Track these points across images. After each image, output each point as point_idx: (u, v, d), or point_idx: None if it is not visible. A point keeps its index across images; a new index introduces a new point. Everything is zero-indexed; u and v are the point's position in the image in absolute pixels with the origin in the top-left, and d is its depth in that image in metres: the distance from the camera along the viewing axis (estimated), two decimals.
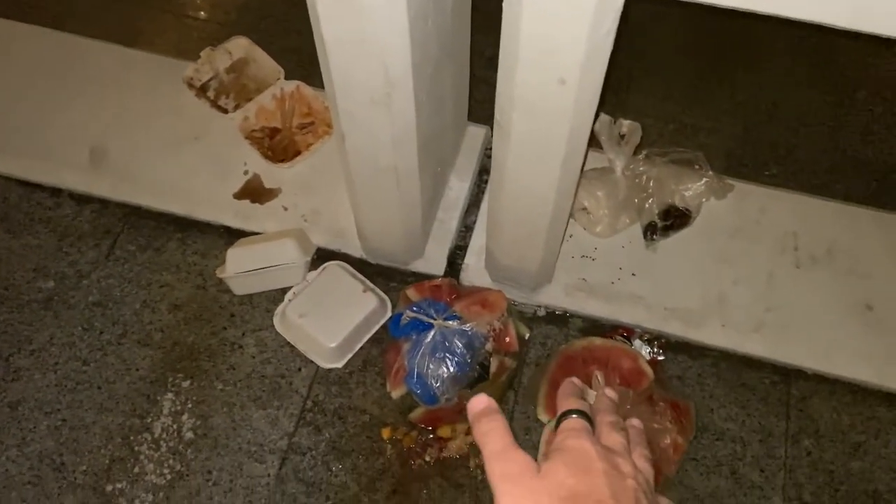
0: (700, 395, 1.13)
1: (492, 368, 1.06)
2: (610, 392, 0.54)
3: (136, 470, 1.08)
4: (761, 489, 1.06)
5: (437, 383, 1.02)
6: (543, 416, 1.08)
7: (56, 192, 1.32)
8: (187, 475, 1.07)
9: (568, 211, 0.98)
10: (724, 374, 1.15)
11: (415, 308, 1.06)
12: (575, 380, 0.54)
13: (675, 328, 1.16)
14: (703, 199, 1.23)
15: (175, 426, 1.11)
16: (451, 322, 1.05)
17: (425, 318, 1.05)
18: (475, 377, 1.05)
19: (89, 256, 1.26)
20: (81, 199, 1.31)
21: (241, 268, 1.13)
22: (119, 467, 1.08)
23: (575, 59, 0.70)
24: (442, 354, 1.03)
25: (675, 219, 1.22)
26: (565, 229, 1.11)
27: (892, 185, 1.33)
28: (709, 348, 1.16)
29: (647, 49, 1.50)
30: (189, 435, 1.11)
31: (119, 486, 1.07)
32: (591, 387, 0.99)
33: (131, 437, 1.10)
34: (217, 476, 1.08)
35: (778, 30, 1.51)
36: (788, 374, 1.14)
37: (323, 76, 0.84)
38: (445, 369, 1.03)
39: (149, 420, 1.12)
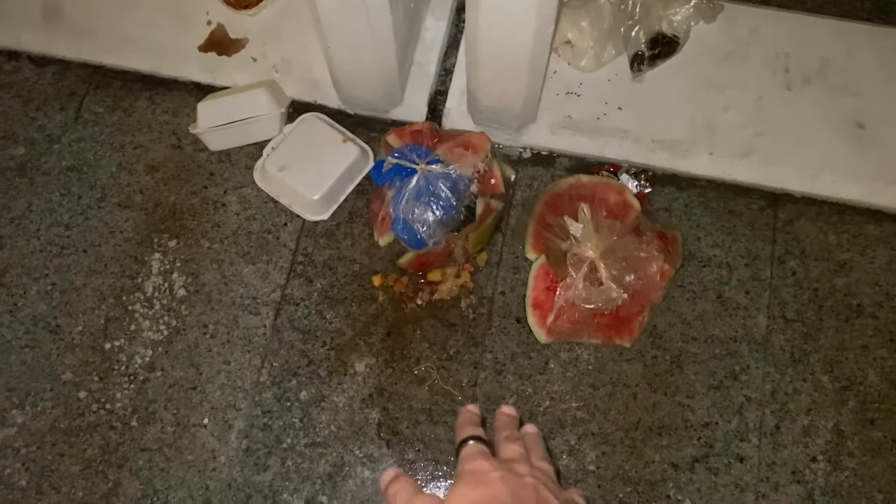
0: (687, 224, 1.13)
1: (478, 210, 1.05)
2: (507, 409, 0.59)
3: (133, 328, 1.10)
4: (746, 309, 1.09)
5: (423, 228, 1.02)
6: (531, 255, 1.08)
7: (13, 54, 1.25)
8: (184, 330, 1.09)
9: (549, 41, 0.93)
10: (711, 202, 1.14)
11: (396, 154, 1.04)
12: (470, 408, 0.59)
13: (663, 160, 1.14)
14: (692, 23, 1.17)
15: (166, 284, 1.12)
16: (434, 166, 1.02)
17: (408, 164, 1.03)
18: (461, 220, 1.04)
19: (57, 120, 1.21)
20: (41, 61, 1.25)
21: (214, 122, 1.09)
22: (115, 326, 1.10)
23: None
24: (427, 199, 1.02)
25: (662, 46, 1.17)
26: (547, 64, 1.06)
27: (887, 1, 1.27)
28: (696, 178, 1.15)
29: None
30: (181, 292, 1.11)
31: (117, 343, 1.09)
32: (576, 220, 0.99)
33: (124, 298, 1.11)
34: (213, 329, 1.09)
35: None
36: (776, 198, 1.14)
37: None
38: (431, 214, 1.02)
39: (139, 280, 1.12)
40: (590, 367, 1.06)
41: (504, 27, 0.90)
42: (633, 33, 1.15)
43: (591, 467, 1.02)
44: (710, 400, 1.05)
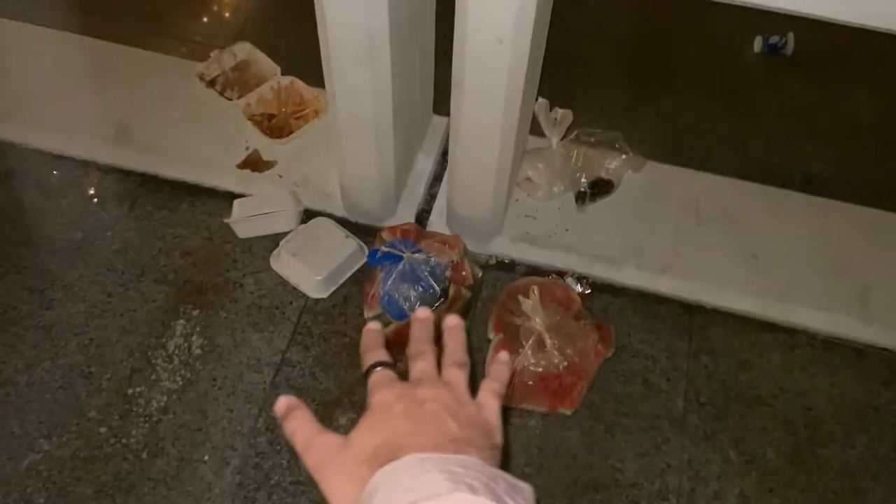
0: (620, 323, 1.39)
1: (450, 293, 1.31)
2: (420, 313, 0.55)
3: (153, 377, 1.30)
4: (667, 393, 1.31)
5: (406, 302, 1.27)
6: (492, 335, 1.32)
7: (84, 163, 1.56)
8: (196, 382, 1.29)
9: (511, 157, 1.25)
10: (639, 308, 1.41)
11: (388, 245, 1.32)
12: (372, 326, 0.55)
13: (600, 270, 1.42)
14: (624, 172, 1.51)
15: (186, 344, 1.33)
16: (417, 255, 1.30)
17: (396, 252, 1.30)
18: (437, 298, 1.30)
19: (113, 214, 1.49)
20: (107, 169, 1.55)
21: (245, 213, 1.38)
22: (138, 376, 1.30)
23: (508, 23, 0.98)
24: (410, 280, 1.28)
25: (601, 187, 1.50)
26: (511, 191, 1.38)
27: (777, 171, 1.63)
28: (627, 287, 1.43)
29: (594, 63, 1.80)
30: (198, 351, 1.33)
31: (139, 389, 1.28)
32: (527, 297, 1.25)
33: (149, 353, 1.32)
34: (221, 382, 1.29)
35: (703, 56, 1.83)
36: (691, 308, 1.41)
37: (320, 42, 1.11)
38: (413, 291, 1.27)
39: (164, 340, 1.34)
40: (537, 432, 1.27)
41: (477, 143, 1.22)
42: (578, 175, 1.49)
43: None
44: (637, 464, 1.24)
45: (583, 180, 1.49)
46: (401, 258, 1.30)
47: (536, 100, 1.41)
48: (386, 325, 1.32)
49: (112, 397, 1.27)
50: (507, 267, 1.45)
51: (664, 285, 1.41)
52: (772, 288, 1.41)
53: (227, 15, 1.86)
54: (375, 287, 1.31)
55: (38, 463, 1.20)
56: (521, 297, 1.24)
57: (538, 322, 1.23)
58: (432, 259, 1.29)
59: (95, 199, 1.51)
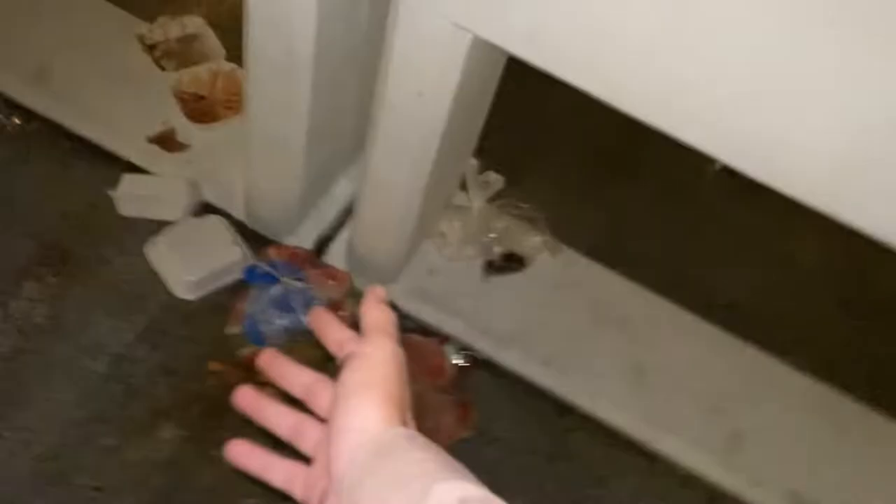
0: (489, 405, 1.33)
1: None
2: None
3: None
4: (511, 490, 1.25)
5: (268, 327, 1.19)
6: None
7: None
8: (25, 351, 1.19)
9: (417, 209, 1.19)
10: (514, 394, 1.35)
11: (269, 264, 1.24)
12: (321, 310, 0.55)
13: (485, 345, 1.36)
14: (539, 253, 1.47)
15: (29, 309, 1.23)
16: (296, 282, 1.23)
17: (275, 273, 1.23)
18: (303, 332, 1.22)
19: (5, 155, 1.39)
20: (14, 106, 1.45)
21: (132, 190, 1.30)
22: None
23: (432, 76, 0.93)
24: (280, 306, 1.21)
25: (512, 262, 1.45)
26: (419, 235, 1.32)
27: (697, 291, 1.59)
28: (507, 371, 1.37)
29: (552, 136, 1.76)
30: (38, 320, 1.23)
31: None
32: None
33: None
34: (51, 360, 1.20)
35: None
36: (564, 408, 1.36)
37: (243, 39, 1.05)
38: (279, 320, 1.20)
39: (7, 298, 1.24)
40: None
41: (384, 192, 1.16)
42: (493, 244, 1.44)
43: None
44: None
45: (495, 250, 1.44)
46: (277, 281, 1.22)
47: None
48: (241, 347, 1.25)
49: None
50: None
51: (543, 377, 1.36)
52: (648, 408, 1.37)
53: None
54: (242, 302, 1.23)
55: None
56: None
57: None
58: (309, 292, 1.22)
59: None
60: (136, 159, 1.42)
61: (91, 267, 1.30)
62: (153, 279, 1.31)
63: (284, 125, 1.13)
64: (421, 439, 0.41)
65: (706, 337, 1.48)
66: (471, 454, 1.25)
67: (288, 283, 1.22)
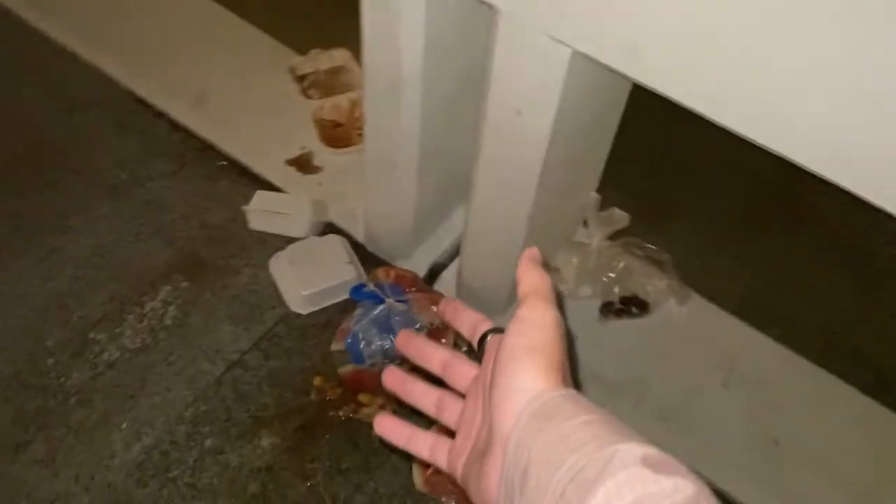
0: None
1: None
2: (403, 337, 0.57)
3: (117, 331, 1.30)
4: None
5: (368, 347, 1.19)
6: None
7: (160, 114, 1.62)
8: (152, 349, 1.28)
9: (521, 240, 1.15)
10: None
11: (376, 284, 1.25)
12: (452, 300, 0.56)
13: (594, 393, 1.27)
14: (665, 299, 1.36)
15: (162, 311, 1.33)
16: (400, 304, 1.22)
17: (381, 294, 1.23)
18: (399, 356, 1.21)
19: (161, 168, 1.53)
20: (175, 125, 1.60)
21: (262, 206, 1.37)
22: (106, 324, 1.30)
23: (529, 93, 0.89)
24: (381, 327, 1.20)
25: (633, 306, 1.35)
26: None
27: (853, 361, 1.39)
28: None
29: (693, 179, 1.64)
30: (168, 321, 1.32)
31: (100, 336, 1.29)
32: None
33: (125, 307, 1.33)
34: (173, 360, 1.27)
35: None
36: None
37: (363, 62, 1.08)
38: (378, 340, 1.20)
39: (144, 299, 1.34)
40: None
41: (491, 222, 1.13)
42: (613, 285, 1.35)
43: None
44: None
45: (615, 291, 1.35)
46: (382, 302, 1.22)
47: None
48: (343, 364, 1.25)
49: (73, 335, 1.29)
50: None
51: (658, 434, 1.24)
52: (779, 485, 1.20)
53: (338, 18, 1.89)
54: (348, 320, 1.25)
55: None
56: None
57: None
58: (412, 315, 1.21)
59: (153, 150, 1.56)
60: (274, 179, 1.51)
61: (221, 276, 1.38)
62: (274, 292, 1.36)
63: (396, 147, 1.14)
64: (584, 401, 0.41)
65: (860, 413, 1.28)
66: None
67: (392, 305, 1.22)
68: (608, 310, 1.35)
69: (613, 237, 1.35)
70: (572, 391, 0.42)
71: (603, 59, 0.80)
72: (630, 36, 0.76)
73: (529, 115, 0.92)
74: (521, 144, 0.96)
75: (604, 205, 1.36)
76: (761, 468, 1.22)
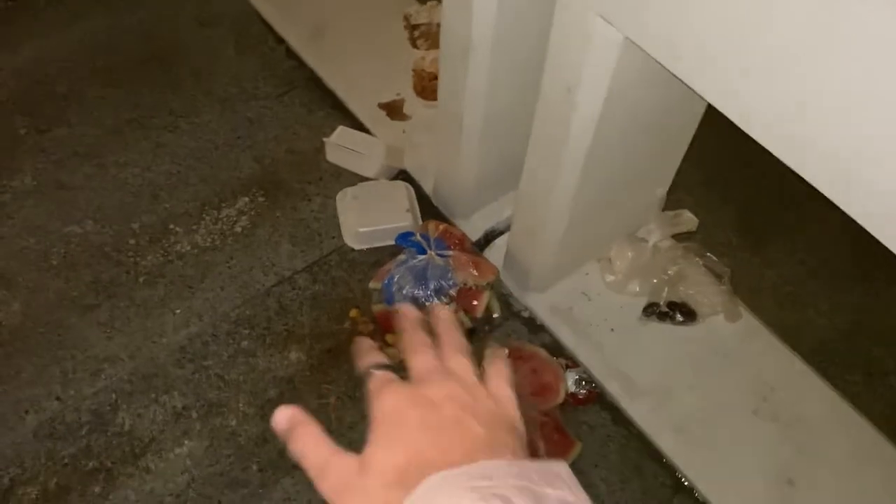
0: (598, 449, 1.23)
1: None
2: (404, 309, 0.50)
3: (194, 227, 1.43)
4: None
5: (400, 292, 1.24)
6: None
7: (280, 40, 1.73)
8: (218, 249, 1.40)
9: (565, 221, 1.14)
10: (627, 449, 1.23)
11: (423, 235, 1.29)
12: (364, 339, 0.51)
13: (614, 389, 1.26)
14: (713, 313, 1.31)
15: (235, 219, 1.44)
16: (440, 259, 1.26)
17: (425, 245, 1.27)
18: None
19: (269, 90, 1.64)
20: (290, 54, 1.70)
21: (340, 141, 1.44)
22: (185, 219, 1.44)
23: (577, 70, 0.89)
24: (417, 276, 1.25)
25: (679, 313, 1.31)
26: (579, 254, 1.27)
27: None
28: (630, 422, 1.25)
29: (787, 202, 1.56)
30: (238, 229, 1.43)
31: (178, 229, 1.42)
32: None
33: (206, 207, 1.45)
34: (233, 263, 1.39)
35: None
36: (679, 486, 1.20)
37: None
38: (410, 288, 1.24)
39: (223, 204, 1.46)
40: None
41: (532, 203, 1.14)
42: (662, 287, 1.32)
43: None
44: None
45: (664, 294, 1.32)
46: (424, 252, 1.27)
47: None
48: (377, 303, 1.31)
49: (157, 223, 1.43)
50: (533, 326, 1.34)
51: (669, 444, 1.21)
52: None
53: None
54: (391, 263, 1.30)
55: (74, 236, 1.40)
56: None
57: None
58: (449, 271, 1.25)
59: (266, 72, 1.67)
60: (363, 119, 1.57)
61: (294, 199, 1.48)
62: (336, 223, 1.44)
63: (463, 108, 1.17)
64: None
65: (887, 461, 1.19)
66: None
67: (432, 258, 1.26)
68: (651, 310, 1.32)
69: (678, 240, 1.32)
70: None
71: (644, 47, 0.78)
72: (669, 30, 0.74)
73: (579, 94, 0.92)
74: (569, 123, 0.96)
75: (702, 211, 1.33)
76: (764, 500, 1.16)
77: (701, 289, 1.30)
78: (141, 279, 1.36)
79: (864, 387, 1.32)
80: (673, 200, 1.44)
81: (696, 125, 1.17)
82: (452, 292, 1.25)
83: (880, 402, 1.31)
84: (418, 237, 1.28)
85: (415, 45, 1.66)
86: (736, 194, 1.55)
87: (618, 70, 0.87)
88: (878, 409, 1.30)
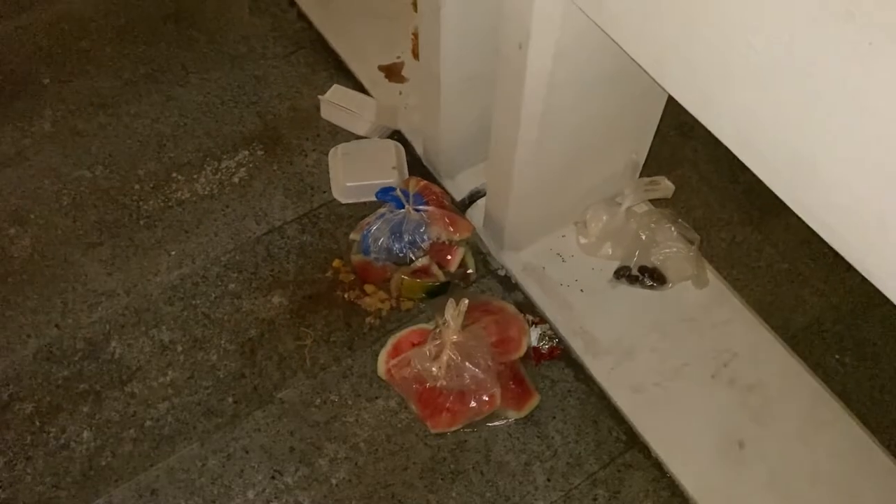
0: (556, 401, 1.27)
1: (416, 263, 1.31)
2: None
3: (194, 176, 1.51)
4: (535, 490, 1.20)
5: (376, 243, 1.30)
6: (434, 322, 1.30)
7: (292, 3, 1.79)
8: (215, 198, 1.48)
9: (530, 178, 1.18)
10: (586, 405, 1.27)
11: (403, 191, 1.34)
12: None
13: (578, 346, 1.30)
14: (682, 278, 1.33)
15: (234, 170, 1.52)
16: (415, 213, 1.31)
17: (403, 200, 1.33)
18: (403, 262, 1.31)
19: (276, 50, 1.71)
20: (301, 15, 1.77)
21: (334, 99, 1.50)
22: (188, 169, 1.52)
23: (528, 30, 0.93)
24: (394, 230, 1.30)
25: (649, 278, 1.34)
26: (551, 214, 1.31)
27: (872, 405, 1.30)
28: (591, 379, 1.29)
29: None
30: (235, 180, 1.51)
31: (180, 177, 1.51)
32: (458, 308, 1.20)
33: (207, 158, 1.54)
34: (228, 212, 1.47)
35: None
36: (633, 442, 1.24)
37: None
38: (385, 239, 1.30)
39: (224, 156, 1.54)
40: (398, 424, 1.25)
41: (498, 160, 1.18)
42: (635, 251, 1.34)
43: (334, 482, 1.20)
44: None
45: (635, 259, 1.34)
46: (402, 207, 1.32)
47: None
48: (358, 252, 1.38)
49: (160, 170, 1.52)
50: (508, 285, 1.39)
51: (625, 402, 1.25)
52: (730, 484, 1.17)
53: None
54: (371, 216, 1.36)
55: (84, 179, 1.50)
56: (451, 301, 1.20)
57: (450, 333, 1.19)
58: (423, 227, 1.30)
59: (276, 33, 1.74)
60: (363, 79, 1.63)
61: (291, 154, 1.55)
62: (327, 178, 1.51)
63: (441, 64, 1.21)
64: None
65: (846, 447, 1.21)
66: (511, 442, 1.22)
67: (409, 212, 1.31)
68: (622, 273, 1.35)
69: (655, 205, 1.34)
70: None
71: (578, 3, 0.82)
72: None
73: (530, 51, 0.95)
74: (523, 80, 1.00)
75: (705, 187, 1.34)
76: (716, 464, 1.19)
77: (671, 254, 1.33)
78: (142, 222, 1.45)
79: (853, 368, 1.33)
80: (678, 175, 1.46)
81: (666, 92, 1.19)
82: (425, 246, 1.31)
83: (869, 382, 1.32)
84: (398, 192, 1.34)
85: (416, 9, 1.70)
86: (747, 174, 1.55)
87: (564, 27, 0.91)
88: (865, 390, 1.31)
